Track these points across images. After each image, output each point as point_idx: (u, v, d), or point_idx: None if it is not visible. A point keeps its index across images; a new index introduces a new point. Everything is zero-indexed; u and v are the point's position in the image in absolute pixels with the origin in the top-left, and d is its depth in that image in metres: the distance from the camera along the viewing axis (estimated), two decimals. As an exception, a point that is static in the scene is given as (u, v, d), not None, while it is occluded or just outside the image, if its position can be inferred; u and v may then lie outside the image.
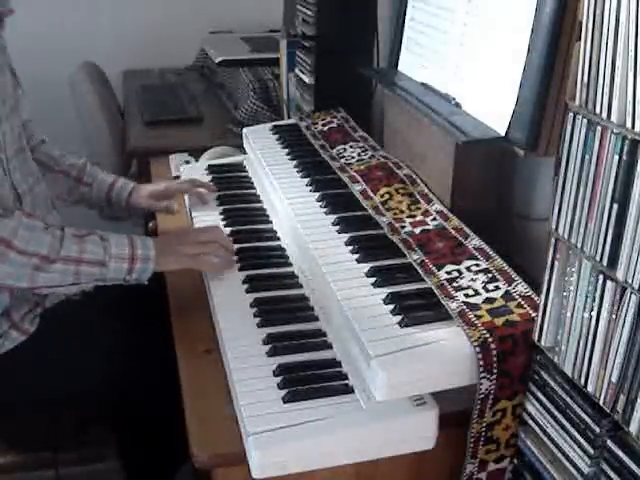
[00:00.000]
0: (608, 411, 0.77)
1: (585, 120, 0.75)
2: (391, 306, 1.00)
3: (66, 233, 1.13)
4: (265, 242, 1.33)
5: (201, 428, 0.95)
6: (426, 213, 1.21)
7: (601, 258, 0.75)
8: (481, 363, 0.89)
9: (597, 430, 0.79)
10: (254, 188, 1.55)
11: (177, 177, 1.71)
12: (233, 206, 1.46)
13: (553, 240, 0.82)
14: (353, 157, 1.44)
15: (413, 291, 1.04)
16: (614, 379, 0.75)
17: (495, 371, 0.90)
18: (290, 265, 1.25)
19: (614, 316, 0.74)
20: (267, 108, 2.09)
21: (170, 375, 1.07)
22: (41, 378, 1.20)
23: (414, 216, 1.21)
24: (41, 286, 1.12)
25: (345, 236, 1.19)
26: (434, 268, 1.06)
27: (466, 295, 0.99)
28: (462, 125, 1.16)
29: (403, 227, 1.18)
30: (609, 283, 0.74)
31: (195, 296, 1.22)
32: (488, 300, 0.98)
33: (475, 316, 0.94)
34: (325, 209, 1.29)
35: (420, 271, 1.06)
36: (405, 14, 1.48)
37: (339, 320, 1.03)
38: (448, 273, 1.04)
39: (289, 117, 1.91)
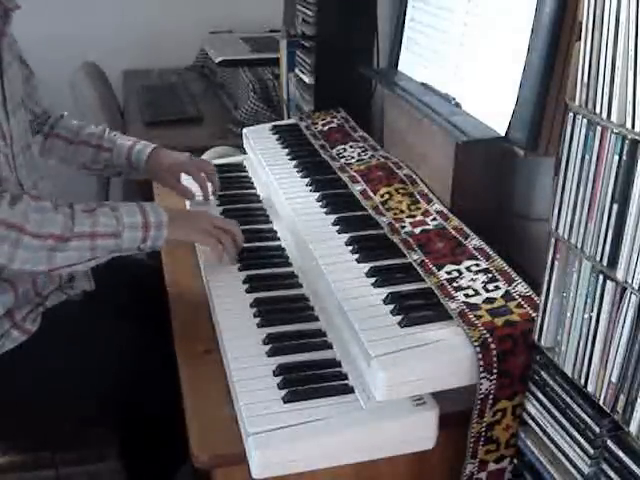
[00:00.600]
0: (608, 411, 0.77)
1: (585, 120, 0.75)
2: (391, 306, 1.00)
3: (76, 209, 1.13)
4: (265, 242, 1.33)
5: (201, 428, 0.95)
6: (426, 213, 1.21)
7: (601, 258, 0.75)
8: (481, 363, 0.89)
9: (597, 430, 0.79)
10: (254, 188, 1.55)
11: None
12: (233, 206, 1.46)
13: (553, 240, 0.82)
14: (353, 157, 1.44)
15: (413, 291, 1.04)
16: (614, 379, 0.75)
17: (495, 371, 0.90)
18: (290, 265, 1.25)
19: (614, 316, 0.74)
20: (267, 108, 2.10)
21: (170, 375, 1.07)
22: (42, 378, 1.20)
23: (414, 216, 1.21)
24: (60, 266, 1.11)
25: (345, 236, 1.19)
26: (434, 268, 1.06)
27: (466, 295, 0.99)
28: (462, 125, 1.16)
29: (403, 227, 1.18)
30: (609, 283, 0.74)
31: (195, 296, 1.22)
32: (488, 300, 0.98)
33: (475, 316, 0.94)
34: (325, 209, 1.29)
35: (420, 271, 1.06)
36: (405, 14, 1.48)
37: (339, 320, 1.03)
38: (448, 273, 1.04)
39: (289, 117, 1.91)
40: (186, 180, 1.49)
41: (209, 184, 1.48)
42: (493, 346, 0.90)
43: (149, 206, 1.18)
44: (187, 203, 1.50)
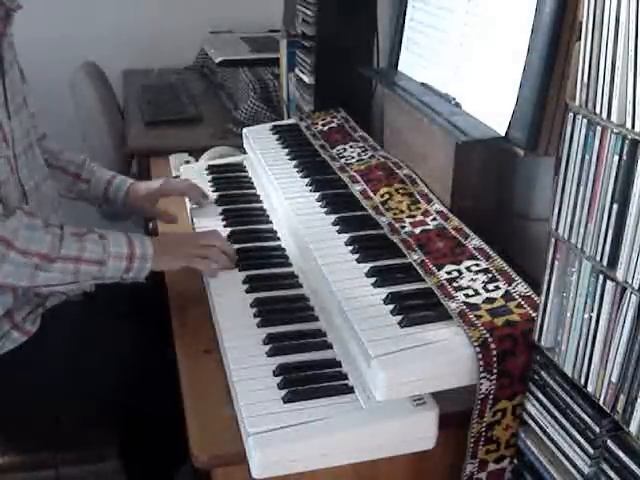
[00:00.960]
0: (608, 411, 0.77)
1: (585, 120, 0.75)
2: (391, 306, 1.00)
3: (65, 232, 1.14)
4: (265, 242, 1.33)
5: (201, 428, 0.95)
6: (426, 213, 1.21)
7: (601, 258, 0.75)
8: (481, 363, 0.89)
9: (597, 430, 0.79)
10: (254, 188, 1.55)
11: (177, 177, 1.71)
12: (233, 206, 1.46)
13: (553, 240, 0.82)
14: (353, 157, 1.44)
15: (413, 291, 1.04)
16: (614, 379, 0.75)
17: (495, 371, 0.90)
18: (290, 265, 1.25)
19: (614, 316, 0.74)
20: (267, 108, 2.09)
21: (170, 375, 1.07)
22: (42, 378, 1.20)
23: (414, 216, 1.21)
24: (40, 285, 1.13)
25: (345, 236, 1.19)
26: (434, 268, 1.06)
27: (466, 295, 0.99)
28: (462, 125, 1.16)
29: (403, 227, 1.18)
30: (609, 283, 0.74)
31: (195, 296, 1.22)
32: (488, 300, 0.98)
33: (475, 316, 0.94)
34: (325, 209, 1.29)
35: (420, 271, 1.06)
36: (405, 14, 1.48)
37: (339, 320, 1.03)
38: (448, 273, 1.04)
39: (289, 117, 1.91)
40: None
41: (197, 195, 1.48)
42: (493, 346, 0.90)
43: (137, 238, 1.18)
44: (187, 205, 1.50)
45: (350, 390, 0.96)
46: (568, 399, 0.83)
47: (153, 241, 1.19)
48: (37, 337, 1.23)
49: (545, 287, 0.85)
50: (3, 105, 1.19)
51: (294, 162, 1.49)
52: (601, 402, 0.77)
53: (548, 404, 0.87)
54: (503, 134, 1.11)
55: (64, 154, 1.48)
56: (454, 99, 1.26)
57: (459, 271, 1.04)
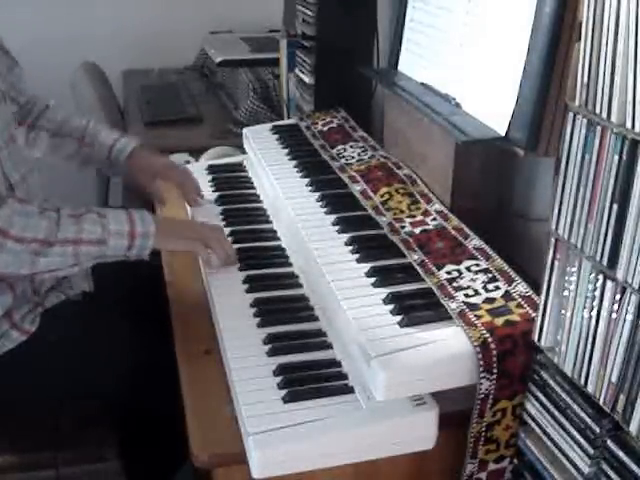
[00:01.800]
0: (608, 411, 0.77)
1: (585, 120, 0.75)
2: (391, 306, 1.00)
3: (62, 214, 1.12)
4: (265, 242, 1.33)
5: (201, 428, 0.95)
6: (426, 213, 1.21)
7: (601, 258, 0.75)
8: (481, 363, 0.89)
9: (597, 430, 0.79)
10: (254, 188, 1.55)
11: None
12: (233, 206, 1.46)
13: (553, 240, 0.82)
14: (353, 157, 1.44)
15: (413, 291, 1.04)
16: (614, 379, 0.75)
17: (495, 371, 0.90)
18: (290, 265, 1.25)
19: (614, 316, 0.74)
20: (267, 108, 2.09)
21: (170, 375, 1.07)
22: (41, 378, 1.20)
23: (414, 216, 1.21)
24: (42, 270, 1.11)
25: (345, 236, 1.19)
26: (434, 268, 1.06)
27: (466, 295, 0.99)
28: (462, 125, 1.16)
29: (403, 227, 1.18)
30: (609, 283, 0.74)
31: (195, 296, 1.22)
32: (488, 300, 0.98)
33: (475, 316, 0.94)
34: (325, 209, 1.29)
35: (420, 271, 1.06)
36: (405, 14, 1.48)
37: (339, 320, 1.03)
38: (448, 273, 1.04)
39: (289, 117, 1.91)
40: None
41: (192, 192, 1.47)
42: (493, 346, 0.90)
43: (137, 214, 1.16)
44: (188, 209, 1.49)
45: (350, 390, 0.96)
46: (568, 399, 0.83)
47: (155, 218, 1.18)
48: (36, 337, 1.23)
49: (545, 287, 0.85)
50: None
51: (294, 162, 1.49)
52: (601, 402, 0.77)
53: (548, 404, 0.87)
54: (503, 134, 1.11)
55: (69, 121, 1.49)
56: (454, 99, 1.26)
57: (459, 271, 1.04)
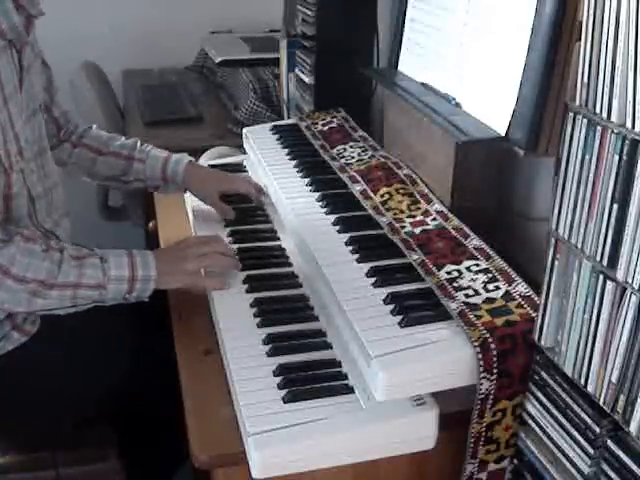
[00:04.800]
0: (608, 411, 0.77)
1: (585, 120, 0.75)
2: (391, 306, 1.00)
3: (65, 256, 1.12)
4: (265, 242, 1.33)
5: (201, 428, 0.95)
6: (426, 213, 1.21)
7: (601, 258, 0.75)
8: (481, 363, 0.89)
9: (597, 430, 0.79)
10: (254, 188, 1.55)
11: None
12: (233, 206, 1.45)
13: (553, 240, 0.82)
14: (353, 157, 1.44)
15: (413, 291, 1.04)
16: (614, 379, 0.75)
17: (495, 371, 0.90)
18: (290, 265, 1.25)
19: (614, 316, 0.74)
20: (267, 108, 2.09)
21: (170, 375, 1.07)
22: (42, 379, 1.20)
23: (414, 216, 1.21)
24: (38, 310, 1.14)
25: (345, 236, 1.19)
26: (434, 268, 1.06)
27: (466, 295, 0.99)
28: (462, 125, 1.16)
29: (403, 227, 1.18)
30: (609, 283, 0.74)
31: (195, 296, 1.22)
32: (488, 300, 0.98)
33: (475, 316, 0.94)
34: (325, 209, 1.29)
35: (420, 271, 1.06)
36: (405, 14, 1.48)
37: (339, 320, 1.03)
38: (448, 273, 1.04)
39: (289, 117, 1.91)
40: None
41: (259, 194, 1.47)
42: (493, 346, 0.90)
43: (140, 257, 1.15)
44: (188, 205, 1.49)
45: (350, 390, 0.96)
46: (568, 399, 0.83)
47: (157, 258, 1.16)
48: (37, 338, 1.23)
49: (545, 287, 0.85)
50: (19, 114, 1.16)
51: (294, 162, 1.49)
52: (601, 402, 0.77)
53: (548, 404, 0.87)
54: (503, 134, 1.11)
55: (115, 139, 1.48)
56: (454, 99, 1.26)
57: (459, 271, 1.04)
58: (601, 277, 0.75)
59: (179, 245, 1.23)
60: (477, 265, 1.05)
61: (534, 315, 0.92)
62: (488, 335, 0.91)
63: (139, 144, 1.48)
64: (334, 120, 1.64)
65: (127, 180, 1.47)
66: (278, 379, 0.97)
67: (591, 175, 0.75)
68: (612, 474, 0.77)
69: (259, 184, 1.50)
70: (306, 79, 1.74)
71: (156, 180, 1.46)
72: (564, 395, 0.84)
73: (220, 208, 1.42)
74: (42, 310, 1.14)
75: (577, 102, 0.76)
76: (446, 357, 0.91)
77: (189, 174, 1.44)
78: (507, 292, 0.99)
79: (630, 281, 0.71)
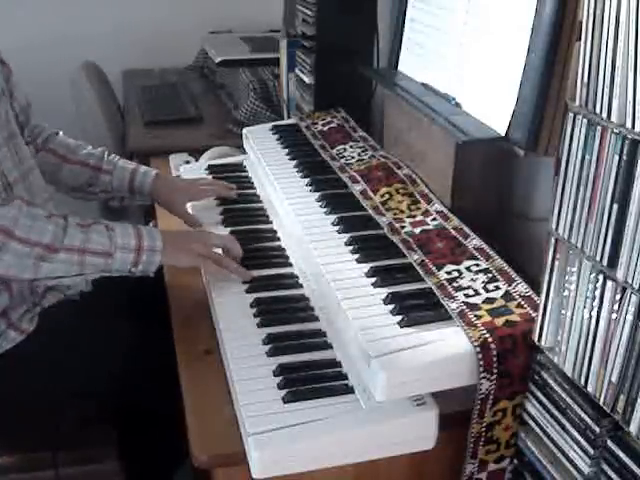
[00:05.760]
0: (608, 411, 0.77)
1: (585, 120, 0.75)
2: (391, 306, 1.00)
3: (70, 222, 1.11)
4: (265, 242, 1.33)
5: (201, 428, 0.95)
6: (426, 213, 1.21)
7: (601, 258, 0.75)
8: (481, 363, 0.89)
9: (597, 430, 0.79)
10: (254, 188, 1.55)
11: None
12: (233, 206, 1.46)
13: (553, 240, 0.82)
14: (353, 157, 1.44)
15: (413, 291, 1.04)
16: (614, 379, 0.75)
17: (495, 371, 0.90)
18: (290, 265, 1.25)
19: (614, 316, 0.74)
20: (267, 108, 2.09)
21: (170, 375, 1.07)
22: (40, 378, 1.20)
23: (414, 216, 1.21)
24: (45, 277, 1.11)
25: (345, 236, 1.19)
26: (434, 268, 1.06)
27: (466, 295, 0.99)
28: (462, 125, 1.16)
29: (403, 227, 1.18)
30: (609, 283, 0.74)
31: (195, 296, 1.22)
32: (488, 300, 0.98)
33: (475, 316, 0.94)
34: (325, 209, 1.29)
35: (420, 271, 1.06)
36: (405, 14, 1.48)
37: (339, 320, 1.03)
38: (448, 273, 1.04)
39: (289, 117, 1.91)
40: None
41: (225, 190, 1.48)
42: (493, 346, 0.90)
43: (145, 230, 1.15)
44: (188, 206, 1.49)
45: (350, 390, 0.96)
46: (568, 399, 0.83)
47: (162, 233, 1.16)
48: (34, 336, 1.23)
49: (545, 287, 0.85)
50: None
51: (294, 162, 1.49)
52: (601, 402, 0.77)
53: (548, 404, 0.87)
54: (503, 134, 1.11)
55: (82, 148, 1.45)
56: (454, 99, 1.26)
57: (459, 271, 1.04)
58: (601, 277, 0.75)
59: (191, 230, 1.26)
60: (477, 265, 1.05)
61: (534, 315, 0.92)
62: (488, 335, 0.91)
63: (106, 154, 1.45)
64: (334, 120, 1.64)
65: (93, 191, 1.45)
66: (278, 379, 0.97)
67: (591, 175, 0.75)
68: (612, 474, 0.77)
69: (225, 184, 1.49)
70: (306, 79, 1.74)
71: (123, 192, 1.45)
72: (564, 395, 0.84)
73: (187, 218, 1.40)
74: (49, 277, 1.11)
75: (577, 102, 0.76)
76: (446, 357, 0.91)
77: (157, 186, 1.43)
78: (507, 292, 0.99)
79: (630, 281, 0.71)
